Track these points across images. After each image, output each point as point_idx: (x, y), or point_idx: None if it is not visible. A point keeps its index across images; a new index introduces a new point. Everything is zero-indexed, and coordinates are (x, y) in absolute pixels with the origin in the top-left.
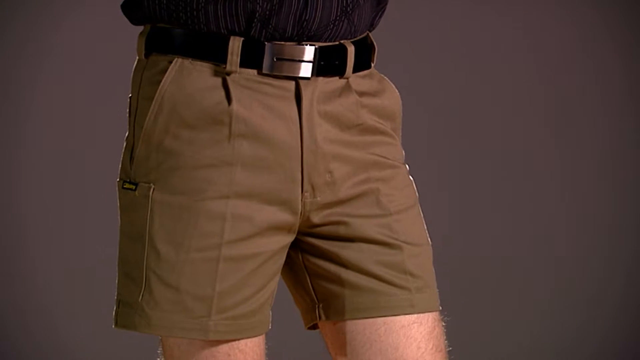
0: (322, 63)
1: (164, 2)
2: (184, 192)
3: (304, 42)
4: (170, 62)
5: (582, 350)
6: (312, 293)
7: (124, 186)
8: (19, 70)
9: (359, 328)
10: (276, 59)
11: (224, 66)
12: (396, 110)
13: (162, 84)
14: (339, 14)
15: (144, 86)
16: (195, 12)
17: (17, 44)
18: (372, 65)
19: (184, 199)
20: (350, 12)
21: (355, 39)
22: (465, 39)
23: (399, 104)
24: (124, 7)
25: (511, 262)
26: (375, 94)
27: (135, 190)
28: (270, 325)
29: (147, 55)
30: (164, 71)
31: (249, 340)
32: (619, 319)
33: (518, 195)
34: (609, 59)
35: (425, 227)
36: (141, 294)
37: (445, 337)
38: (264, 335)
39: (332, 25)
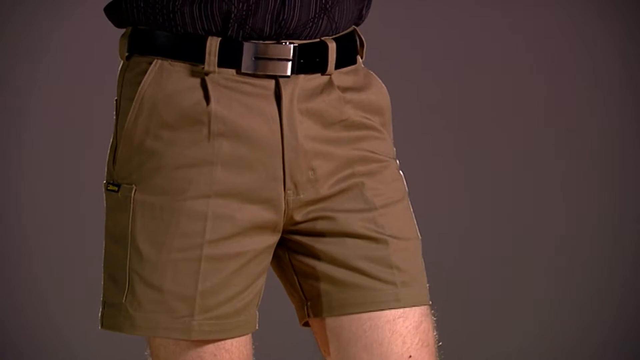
0: (301, 61)
1: (142, 5)
2: (165, 192)
3: (283, 41)
4: (150, 64)
5: (582, 350)
6: (301, 292)
7: (108, 188)
8: (18, 69)
9: (344, 324)
10: (254, 58)
11: (203, 66)
12: (384, 106)
13: (141, 84)
14: (317, 11)
15: (125, 87)
16: (171, 14)
17: (15, 43)
18: (361, 60)
19: (165, 200)
20: (329, 9)
21: (338, 35)
22: (465, 38)
23: (387, 99)
24: (106, 11)
25: (511, 262)
26: (360, 89)
27: (118, 191)
28: (257, 325)
29: (128, 57)
30: (144, 72)
31: (234, 340)
32: (619, 319)
33: (518, 195)
34: (609, 59)
35: (415, 222)
36: (125, 295)
37: (434, 332)
38: (250, 335)
39: (311, 23)
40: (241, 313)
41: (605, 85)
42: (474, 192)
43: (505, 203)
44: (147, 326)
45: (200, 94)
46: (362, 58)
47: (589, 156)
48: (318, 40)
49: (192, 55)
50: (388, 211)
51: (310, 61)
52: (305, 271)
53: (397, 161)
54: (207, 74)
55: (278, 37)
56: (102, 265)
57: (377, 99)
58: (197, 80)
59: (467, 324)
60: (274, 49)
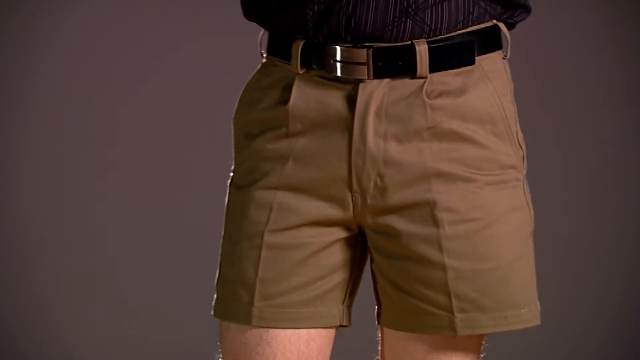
0: (379, 64)
1: (248, 6)
2: (246, 183)
3: (365, 44)
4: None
5: (582, 350)
6: (376, 296)
7: None
8: (18, 69)
9: (394, 338)
10: (333, 60)
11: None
12: (493, 112)
13: (250, 80)
14: (397, 15)
15: None
16: (264, 17)
17: (16, 43)
18: (503, 58)
19: (244, 190)
20: (413, 12)
21: (440, 37)
22: None
23: (498, 104)
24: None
25: None
26: (460, 94)
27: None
28: (344, 322)
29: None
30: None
31: (283, 336)
32: (619, 319)
33: None
34: (611, 59)
35: (508, 245)
36: (216, 280)
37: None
38: (311, 336)
39: (390, 27)
40: (312, 304)
41: (607, 86)
42: None
43: None
44: (222, 312)
45: (284, 93)
46: (504, 57)
47: (589, 156)
48: (408, 43)
49: (285, 55)
50: (460, 234)
51: (391, 65)
52: (376, 280)
53: (515, 174)
54: (295, 74)
55: (356, 40)
56: None
57: (481, 105)
58: (286, 80)
59: None
60: (350, 53)
